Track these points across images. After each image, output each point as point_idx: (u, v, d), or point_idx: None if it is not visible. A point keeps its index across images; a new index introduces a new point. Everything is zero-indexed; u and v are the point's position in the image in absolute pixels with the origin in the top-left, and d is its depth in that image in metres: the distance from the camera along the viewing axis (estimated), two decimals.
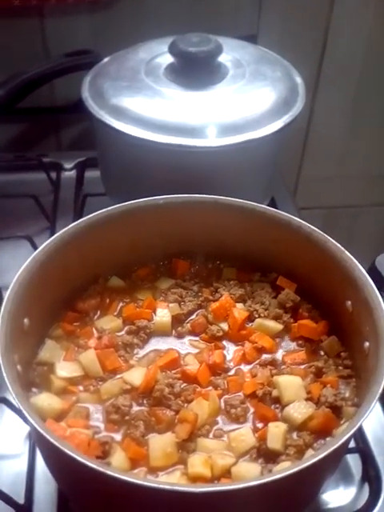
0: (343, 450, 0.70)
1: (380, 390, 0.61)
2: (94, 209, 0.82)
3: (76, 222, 0.79)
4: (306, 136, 1.49)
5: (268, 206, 0.85)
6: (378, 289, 0.71)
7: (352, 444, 0.82)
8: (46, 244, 0.75)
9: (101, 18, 1.21)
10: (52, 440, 0.55)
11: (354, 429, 0.58)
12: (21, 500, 0.75)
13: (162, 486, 0.54)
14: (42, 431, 0.56)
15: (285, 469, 0.56)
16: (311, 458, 0.56)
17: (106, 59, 1.05)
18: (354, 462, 0.81)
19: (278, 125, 0.94)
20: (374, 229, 1.69)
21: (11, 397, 0.60)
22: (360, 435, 0.83)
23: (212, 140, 0.90)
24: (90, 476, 0.57)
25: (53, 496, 0.76)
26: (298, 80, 1.02)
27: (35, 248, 0.76)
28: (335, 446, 0.56)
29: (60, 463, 0.65)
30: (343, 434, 0.58)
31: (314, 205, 1.57)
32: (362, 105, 1.45)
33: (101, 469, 0.54)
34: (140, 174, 0.97)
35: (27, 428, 0.82)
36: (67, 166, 1.27)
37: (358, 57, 1.37)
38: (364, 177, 1.58)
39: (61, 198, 1.20)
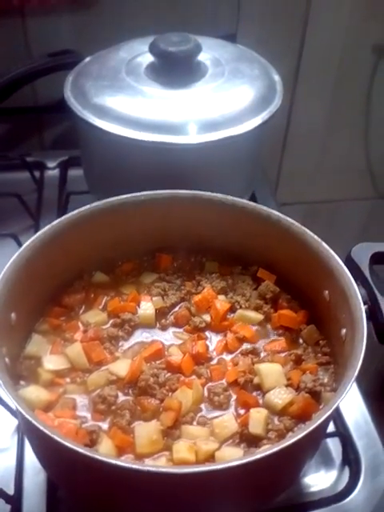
0: (321, 431, 0.73)
1: (355, 374, 0.63)
2: (77, 207, 0.83)
3: (59, 219, 0.80)
4: (286, 132, 1.51)
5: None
6: (354, 278, 0.73)
7: (332, 429, 0.84)
8: (31, 240, 0.77)
9: (83, 18, 1.22)
10: (40, 427, 0.57)
11: (331, 410, 0.60)
12: (10, 491, 0.76)
13: (146, 468, 0.56)
14: (29, 418, 0.58)
15: (264, 449, 0.58)
16: (290, 438, 0.58)
17: (87, 59, 1.07)
18: (334, 446, 0.84)
19: (256, 121, 0.96)
20: (354, 223, 1.72)
21: None
22: (340, 420, 0.86)
23: (192, 137, 0.92)
24: (78, 461, 0.59)
25: (42, 486, 0.77)
26: (276, 78, 1.04)
27: (20, 245, 0.77)
28: (313, 427, 0.59)
29: (48, 450, 0.67)
30: (320, 416, 0.60)
31: (295, 200, 1.59)
32: (340, 100, 1.47)
33: (88, 453, 0.56)
34: (122, 172, 0.98)
35: (15, 422, 0.83)
36: (50, 164, 1.28)
37: (335, 53, 1.39)
38: (344, 171, 1.60)
39: (44, 197, 1.21)
